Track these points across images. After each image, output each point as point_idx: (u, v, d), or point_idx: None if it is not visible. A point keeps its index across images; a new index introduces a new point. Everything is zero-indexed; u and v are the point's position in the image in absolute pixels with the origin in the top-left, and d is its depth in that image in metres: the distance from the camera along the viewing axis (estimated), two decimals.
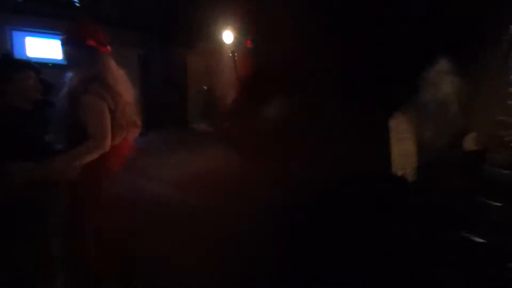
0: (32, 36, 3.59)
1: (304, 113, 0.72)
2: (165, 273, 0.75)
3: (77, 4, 3.27)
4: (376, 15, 0.72)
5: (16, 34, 3.49)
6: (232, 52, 2.78)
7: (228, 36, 3.90)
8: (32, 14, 3.45)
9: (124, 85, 1.53)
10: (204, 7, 3.44)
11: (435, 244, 0.76)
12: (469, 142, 0.83)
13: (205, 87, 3.71)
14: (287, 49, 0.76)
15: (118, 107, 1.44)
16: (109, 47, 1.58)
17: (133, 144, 1.55)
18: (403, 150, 0.79)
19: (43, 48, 3.62)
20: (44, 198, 1.50)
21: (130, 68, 4.05)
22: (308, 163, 0.68)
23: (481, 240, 0.81)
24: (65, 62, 1.53)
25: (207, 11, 3.49)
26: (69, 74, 1.43)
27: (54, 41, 3.50)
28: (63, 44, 1.50)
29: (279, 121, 0.74)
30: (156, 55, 4.13)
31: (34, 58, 3.27)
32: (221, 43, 3.99)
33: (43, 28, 3.61)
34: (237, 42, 3.96)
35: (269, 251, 0.66)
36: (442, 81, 0.76)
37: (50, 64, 3.27)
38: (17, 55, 3.15)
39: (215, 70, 4.26)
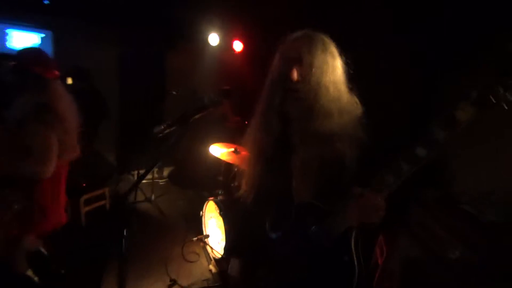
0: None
1: None
2: None
3: (46, 1, 3.07)
4: None
5: None
6: None
7: (213, 38, 3.79)
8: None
9: (71, 111, 1.56)
10: (188, 6, 3.32)
11: None
12: None
13: (174, 92, 3.58)
14: None
15: (66, 134, 1.49)
16: (57, 73, 1.57)
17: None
18: None
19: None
20: None
21: (109, 66, 3.90)
22: None
23: None
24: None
25: (190, 10, 3.37)
26: (18, 101, 1.44)
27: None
28: (11, 72, 1.50)
29: None
30: (134, 54, 3.93)
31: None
32: (205, 44, 3.86)
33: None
34: (223, 44, 3.86)
35: None
36: None
37: None
38: None
39: (196, 70, 4.13)
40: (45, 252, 1.52)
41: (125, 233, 0.88)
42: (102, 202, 3.03)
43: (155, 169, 4.19)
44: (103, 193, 3.06)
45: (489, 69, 0.65)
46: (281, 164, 1.01)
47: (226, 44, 3.88)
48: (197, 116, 0.84)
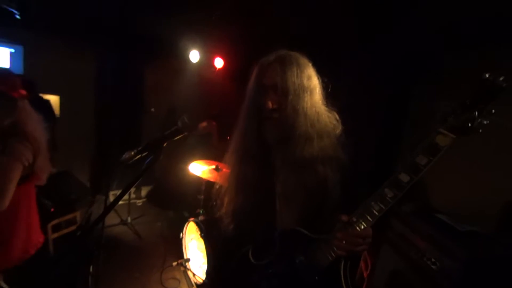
0: None
1: None
2: None
3: (17, 17, 2.93)
4: None
5: None
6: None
7: (194, 55, 3.78)
8: None
9: (40, 131, 1.51)
10: (168, 22, 3.30)
11: None
12: None
13: (152, 109, 3.49)
14: None
15: (37, 154, 1.43)
16: (23, 92, 1.55)
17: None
18: None
19: None
20: None
21: (84, 83, 3.75)
22: None
23: None
24: None
25: (171, 26, 3.35)
26: None
27: None
28: None
29: None
30: (112, 69, 3.81)
31: None
32: (185, 61, 3.84)
33: None
34: (204, 61, 3.86)
35: None
36: None
37: None
38: None
39: (176, 87, 4.06)
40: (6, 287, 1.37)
41: (91, 269, 0.78)
42: (73, 228, 2.81)
43: (132, 189, 3.99)
44: (73, 218, 2.85)
45: (465, 96, 0.68)
46: (263, 190, 0.98)
47: (207, 61, 3.88)
48: (170, 141, 0.78)
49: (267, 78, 0.92)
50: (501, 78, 0.64)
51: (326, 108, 0.98)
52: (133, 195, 4.06)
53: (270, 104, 0.90)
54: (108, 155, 3.72)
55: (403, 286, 1.80)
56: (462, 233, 1.69)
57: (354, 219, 0.78)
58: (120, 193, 0.74)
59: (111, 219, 3.45)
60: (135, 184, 0.76)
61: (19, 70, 3.23)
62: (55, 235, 2.65)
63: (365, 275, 2.01)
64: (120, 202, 3.75)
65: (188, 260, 2.54)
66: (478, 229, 1.71)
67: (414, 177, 0.71)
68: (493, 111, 0.66)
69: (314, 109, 0.93)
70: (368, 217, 0.77)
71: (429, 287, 1.63)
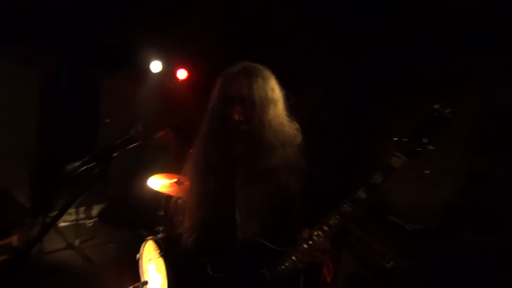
0: None
1: None
2: None
3: None
4: None
5: None
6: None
7: (156, 65, 3.67)
8: None
9: None
10: (129, 31, 3.18)
11: None
12: None
13: (107, 120, 3.28)
14: None
15: None
16: None
17: None
18: None
19: None
20: None
21: (30, 90, 3.37)
22: None
23: None
24: None
25: (131, 35, 3.22)
26: None
27: None
28: None
29: None
30: (61, 76, 3.50)
31: None
32: (146, 71, 3.70)
33: None
34: (166, 71, 3.76)
35: None
36: None
37: None
38: None
39: (136, 98, 3.88)
40: None
41: None
42: (8, 255, 2.44)
43: (81, 208, 3.62)
44: (8, 244, 2.47)
45: (418, 125, 0.78)
46: (224, 202, 0.97)
47: (169, 72, 3.78)
48: (120, 151, 0.73)
49: (233, 90, 0.94)
50: (447, 111, 0.74)
51: (288, 119, 1.02)
52: (82, 215, 3.67)
53: (236, 116, 0.91)
54: (54, 172, 3.33)
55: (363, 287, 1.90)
56: (409, 232, 1.88)
57: (315, 233, 0.82)
58: (59, 210, 0.65)
59: (56, 243, 3.06)
60: (80, 199, 0.68)
61: None
62: None
63: (328, 279, 2.08)
64: (67, 223, 3.38)
65: (145, 283, 2.34)
66: (422, 227, 1.92)
67: (370, 194, 0.78)
68: (437, 138, 0.76)
69: (278, 120, 0.96)
70: (327, 231, 0.81)
71: (386, 285, 1.75)
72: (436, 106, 0.74)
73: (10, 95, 3.20)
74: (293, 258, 0.84)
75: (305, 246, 0.81)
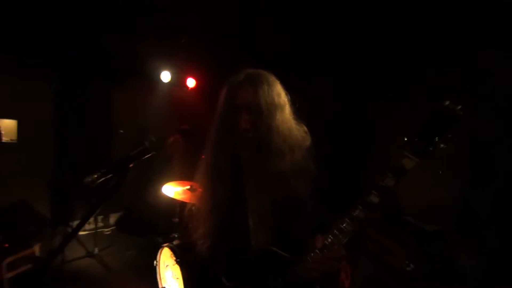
0: None
1: None
2: None
3: None
4: None
5: None
6: None
7: (165, 75, 3.76)
8: None
9: None
10: (139, 42, 3.28)
11: None
12: None
13: (121, 131, 3.36)
14: None
15: None
16: None
17: None
18: None
19: None
20: None
21: (46, 104, 3.51)
22: None
23: None
24: None
25: (141, 46, 3.32)
26: None
27: None
28: None
29: None
30: (76, 90, 3.63)
31: None
32: (156, 81, 3.79)
33: None
34: (175, 80, 3.84)
35: None
36: None
37: None
38: None
39: (147, 108, 3.97)
40: None
41: None
42: (31, 265, 2.53)
43: (99, 217, 3.72)
44: (31, 253, 2.56)
45: (428, 123, 0.75)
46: (236, 209, 0.98)
47: (178, 81, 3.86)
48: (136, 161, 0.75)
49: (238, 99, 0.93)
50: (458, 107, 0.71)
51: (296, 122, 1.01)
52: (100, 223, 3.77)
53: (244, 125, 0.91)
54: (72, 183, 3.46)
55: None
56: (429, 233, 1.81)
57: (328, 240, 0.80)
58: (80, 220, 0.68)
59: (76, 251, 3.15)
60: (99, 209, 0.71)
61: None
62: (11, 273, 2.35)
63: (346, 285, 2.04)
64: (86, 232, 3.47)
65: None
66: (441, 228, 1.84)
67: (383, 198, 0.75)
68: (449, 135, 0.73)
69: (285, 124, 0.96)
70: (341, 237, 0.79)
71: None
72: (447, 103, 0.72)
73: (28, 110, 3.35)
74: (308, 267, 0.82)
75: (319, 254, 0.80)
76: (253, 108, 0.91)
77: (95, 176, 0.70)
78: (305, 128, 1.03)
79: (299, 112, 1.03)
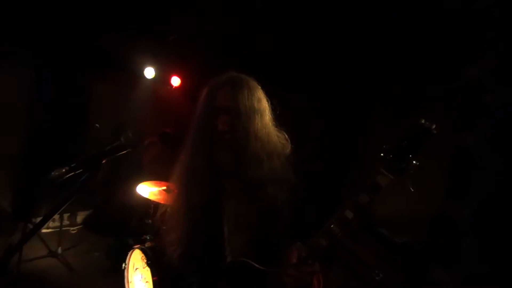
0: None
1: None
2: None
3: None
4: None
5: None
6: None
7: (149, 71, 3.66)
8: None
9: None
10: (122, 36, 3.18)
11: None
12: None
13: (97, 125, 3.22)
14: None
15: None
16: None
17: None
18: None
19: None
20: None
21: (16, 93, 3.28)
22: None
23: None
24: None
25: (124, 40, 3.22)
26: None
27: None
28: None
29: None
30: (49, 79, 3.43)
31: None
32: (139, 76, 3.68)
33: None
34: (159, 77, 3.75)
35: None
36: None
37: None
38: None
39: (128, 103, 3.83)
40: None
41: None
42: None
43: (66, 215, 3.50)
44: None
45: (400, 136, 0.77)
46: (211, 214, 0.95)
47: (163, 78, 3.77)
48: (109, 157, 0.71)
49: (218, 101, 0.93)
50: (433, 126, 0.74)
51: (276, 129, 1.01)
52: (66, 222, 3.54)
53: (221, 126, 0.90)
54: (39, 177, 3.23)
55: None
56: (399, 244, 1.88)
57: (303, 255, 0.80)
58: (43, 217, 0.63)
59: (37, 250, 2.93)
60: (64, 206, 0.66)
61: None
62: None
63: None
64: (50, 230, 3.28)
65: None
66: (408, 239, 1.92)
67: (357, 214, 0.76)
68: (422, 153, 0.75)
69: (264, 130, 0.95)
70: (316, 252, 0.79)
71: None
72: (422, 121, 0.74)
73: None
74: (283, 280, 0.81)
75: (294, 269, 0.80)
76: (232, 111, 0.91)
77: (63, 170, 0.66)
78: (285, 136, 1.03)
79: (280, 120, 1.03)
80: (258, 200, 0.90)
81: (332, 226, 0.78)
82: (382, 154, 0.77)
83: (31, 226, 3.21)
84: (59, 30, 3.00)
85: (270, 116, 0.99)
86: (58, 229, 3.10)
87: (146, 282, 2.20)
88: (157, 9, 2.67)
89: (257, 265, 0.88)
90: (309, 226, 0.97)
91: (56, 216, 3.33)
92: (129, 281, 2.33)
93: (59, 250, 2.97)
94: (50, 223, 3.47)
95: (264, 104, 0.97)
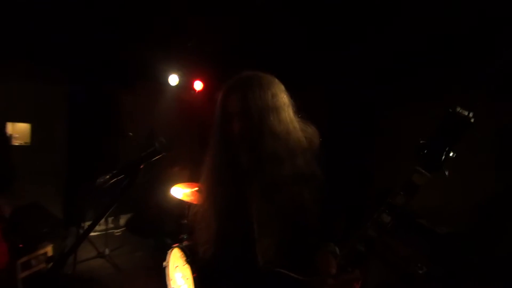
0: None
1: None
2: None
3: None
4: None
5: None
6: None
7: (173, 78, 3.80)
8: None
9: None
10: (146, 46, 3.33)
11: None
12: None
13: (130, 134, 3.39)
14: None
15: None
16: None
17: None
18: None
19: None
20: None
21: (58, 107, 3.61)
22: None
23: None
24: None
25: (148, 50, 3.37)
26: None
27: None
28: None
29: None
30: (86, 95, 3.71)
31: None
32: (164, 84, 3.84)
33: None
34: (183, 84, 3.88)
35: None
36: None
37: None
38: None
39: (155, 111, 4.02)
40: None
41: None
42: (44, 265, 2.59)
43: (110, 218, 3.78)
44: (44, 254, 2.62)
45: (437, 132, 0.70)
46: (238, 215, 0.94)
47: (186, 84, 3.91)
48: (146, 162, 0.77)
49: (230, 106, 0.91)
50: (470, 114, 0.66)
51: (299, 123, 0.95)
52: (110, 225, 3.83)
53: (236, 131, 0.89)
54: (83, 184, 3.53)
55: None
56: (441, 236, 1.76)
57: (342, 263, 0.77)
58: (94, 219, 0.70)
59: (87, 252, 3.21)
60: (111, 209, 0.72)
61: None
62: (25, 273, 2.42)
63: None
64: (97, 233, 3.54)
65: None
66: (454, 230, 1.78)
67: (394, 216, 0.72)
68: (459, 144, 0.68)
69: (282, 126, 0.90)
70: (355, 260, 0.76)
71: None
72: (458, 109, 0.67)
73: (40, 114, 3.44)
74: None
75: (336, 279, 0.76)
76: (243, 115, 0.88)
77: (107, 177, 0.72)
78: (313, 128, 0.97)
79: (303, 112, 0.97)
80: (282, 200, 0.87)
81: (368, 230, 0.74)
82: (416, 150, 0.71)
83: (81, 231, 3.51)
84: (90, 47, 3.22)
85: (291, 110, 0.94)
86: (104, 232, 3.36)
87: (187, 279, 2.30)
88: (174, 17, 2.75)
89: (294, 275, 0.85)
90: (338, 225, 0.94)
91: (102, 220, 3.61)
92: (170, 278, 2.46)
93: (107, 251, 3.22)
94: (97, 227, 3.76)
95: (281, 100, 0.92)
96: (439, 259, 1.62)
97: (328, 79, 3.02)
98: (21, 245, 2.44)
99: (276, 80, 0.96)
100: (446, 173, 0.68)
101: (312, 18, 2.43)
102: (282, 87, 0.95)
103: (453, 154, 0.68)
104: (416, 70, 2.46)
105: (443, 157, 0.67)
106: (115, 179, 0.73)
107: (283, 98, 0.93)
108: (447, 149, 0.67)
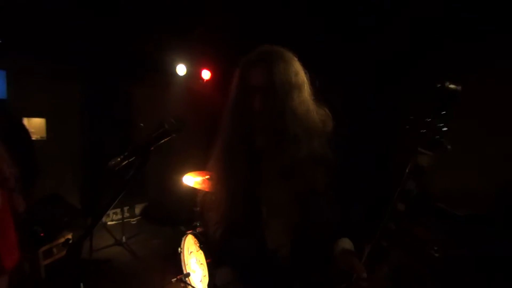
0: None
1: None
2: None
3: None
4: None
5: None
6: None
7: (181, 69, 3.79)
8: None
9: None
10: (153, 38, 3.32)
11: None
12: None
13: (141, 124, 3.43)
14: None
15: None
16: None
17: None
18: None
19: None
20: None
21: (70, 102, 3.69)
22: None
23: None
24: None
25: (156, 42, 3.36)
26: None
27: None
28: None
29: None
30: (97, 88, 3.78)
31: None
32: (172, 74, 3.84)
33: None
34: (191, 73, 3.87)
35: None
36: None
37: None
38: None
39: (164, 101, 4.05)
40: None
41: None
42: (64, 252, 2.70)
43: (126, 208, 3.89)
44: (65, 242, 2.74)
45: (431, 110, 0.69)
46: (249, 198, 0.92)
47: (194, 73, 3.89)
48: (157, 144, 0.76)
49: (252, 79, 0.85)
50: (458, 87, 0.66)
51: (315, 104, 0.91)
52: (126, 214, 3.95)
53: (258, 107, 0.84)
54: (98, 175, 3.64)
55: (410, 279, 1.78)
56: (461, 217, 1.71)
57: (370, 262, 0.77)
58: (109, 201, 0.71)
59: (105, 240, 3.33)
60: (123, 192, 0.73)
61: (1, 94, 3.17)
62: (47, 261, 2.54)
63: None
64: (114, 222, 3.63)
65: (188, 275, 2.46)
66: (474, 212, 1.73)
67: (409, 203, 0.72)
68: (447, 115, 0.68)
69: (303, 106, 0.86)
70: (380, 257, 0.76)
71: (435, 275, 1.62)
72: (446, 83, 0.66)
73: (55, 109, 3.53)
74: None
75: (366, 282, 0.76)
76: (267, 89, 0.83)
77: (119, 159, 0.72)
78: (327, 111, 0.92)
79: (320, 93, 0.92)
80: (295, 183, 0.85)
81: (389, 223, 0.73)
82: (409, 127, 0.72)
83: (103, 220, 3.63)
84: (100, 43, 3.25)
85: (309, 90, 0.90)
86: (120, 221, 3.47)
87: (201, 264, 2.36)
88: (180, 4, 2.71)
89: (325, 281, 0.85)
90: (350, 210, 0.92)
91: (118, 210, 3.73)
92: (186, 263, 2.53)
93: (124, 239, 3.33)
94: (114, 216, 3.90)
95: (302, 77, 0.88)
96: (457, 241, 1.58)
97: (344, 69, 2.92)
98: (42, 234, 2.55)
99: (296, 57, 0.91)
100: (449, 147, 0.67)
101: (328, 7, 2.35)
102: (300, 65, 0.91)
103: (445, 129, 0.68)
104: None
105: (438, 133, 0.67)
106: (127, 161, 0.73)
107: (303, 76, 0.89)
108: (440, 124, 0.67)
